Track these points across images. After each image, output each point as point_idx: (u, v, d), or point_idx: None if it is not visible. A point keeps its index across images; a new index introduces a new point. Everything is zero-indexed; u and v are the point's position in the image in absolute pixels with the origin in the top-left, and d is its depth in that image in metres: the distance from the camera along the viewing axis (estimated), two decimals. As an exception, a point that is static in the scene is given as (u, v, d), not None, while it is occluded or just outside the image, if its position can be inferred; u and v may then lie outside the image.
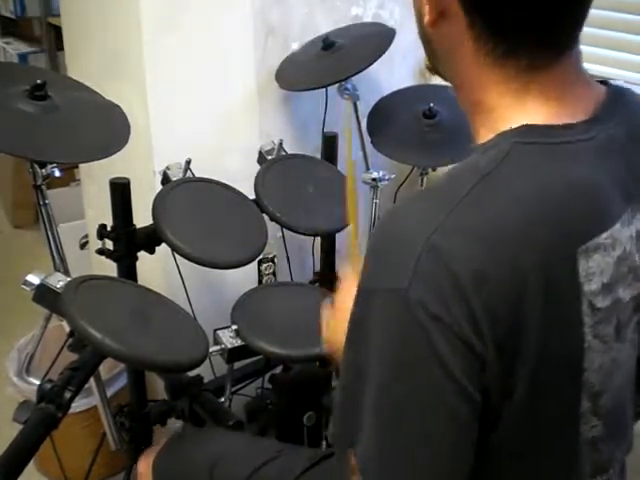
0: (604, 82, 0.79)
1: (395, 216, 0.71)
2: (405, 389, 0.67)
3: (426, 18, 0.74)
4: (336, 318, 0.96)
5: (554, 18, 0.69)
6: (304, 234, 1.58)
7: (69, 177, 2.77)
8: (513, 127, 0.70)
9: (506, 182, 0.68)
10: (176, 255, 1.43)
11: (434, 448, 0.68)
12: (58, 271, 1.35)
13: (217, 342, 1.38)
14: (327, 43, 1.75)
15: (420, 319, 0.64)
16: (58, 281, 1.22)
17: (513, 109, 0.72)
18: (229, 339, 1.37)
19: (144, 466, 1.24)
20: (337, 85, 1.80)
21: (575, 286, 0.69)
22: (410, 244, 0.66)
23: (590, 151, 0.71)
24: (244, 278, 1.64)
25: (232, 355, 1.37)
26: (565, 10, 0.69)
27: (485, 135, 0.74)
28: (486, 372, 0.66)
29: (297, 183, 1.63)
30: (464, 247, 0.65)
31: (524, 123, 0.70)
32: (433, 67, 0.81)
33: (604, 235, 0.71)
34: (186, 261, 1.40)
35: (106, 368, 1.77)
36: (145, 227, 1.45)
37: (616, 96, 0.77)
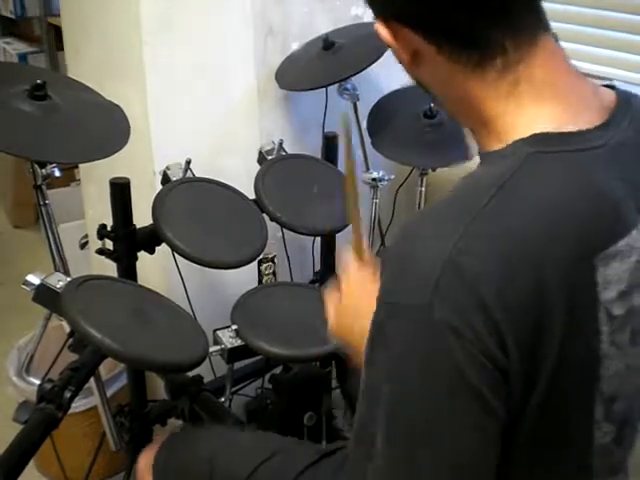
0: (611, 87, 0.79)
1: (411, 231, 0.71)
2: (427, 405, 0.66)
3: (406, 63, 0.76)
4: (343, 303, 0.94)
5: (502, 10, 0.69)
6: (304, 234, 1.58)
7: (69, 177, 2.76)
8: (523, 136, 0.70)
9: (523, 193, 0.68)
10: (176, 255, 1.43)
11: (457, 463, 0.67)
12: (58, 271, 1.35)
13: (217, 342, 1.38)
14: (327, 43, 1.76)
15: (442, 336, 0.64)
16: (58, 281, 1.22)
17: (512, 114, 0.72)
18: (229, 339, 1.37)
19: (144, 462, 1.24)
20: (337, 85, 1.80)
21: (593, 294, 0.69)
22: (429, 260, 0.65)
23: (603, 158, 0.71)
24: (244, 278, 1.64)
25: (232, 355, 1.37)
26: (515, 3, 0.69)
27: (489, 145, 0.74)
28: (508, 385, 0.66)
29: (297, 183, 1.63)
30: (485, 263, 0.64)
31: (535, 132, 0.70)
32: (436, 103, 0.82)
33: (621, 242, 0.71)
34: (186, 261, 1.40)
35: (106, 368, 1.77)
36: (145, 227, 1.45)
37: (625, 100, 0.77)
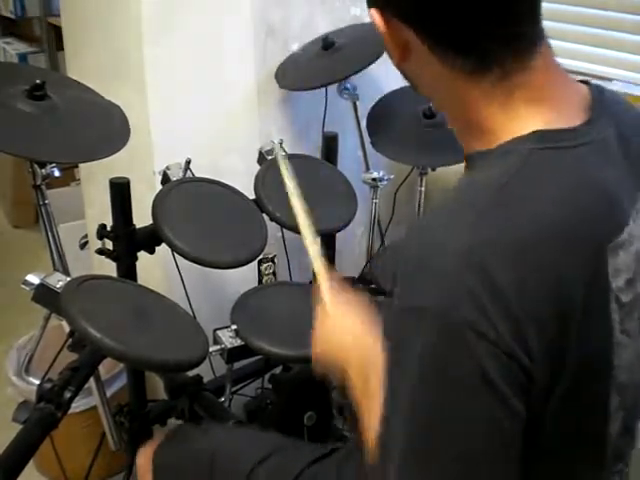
0: (584, 82, 0.80)
1: (424, 232, 0.70)
2: (448, 405, 0.65)
3: (394, 57, 0.76)
4: (324, 325, 0.95)
5: (505, 20, 0.69)
6: (304, 234, 1.58)
7: (69, 177, 2.76)
8: (523, 134, 0.70)
9: (531, 189, 0.68)
10: (176, 255, 1.43)
11: (483, 466, 0.66)
12: (58, 271, 1.35)
13: (217, 342, 1.38)
14: (327, 43, 1.76)
15: (464, 336, 0.63)
16: (57, 281, 1.22)
17: (506, 117, 0.72)
18: (228, 339, 1.37)
19: (143, 459, 1.24)
20: (337, 85, 1.80)
21: (606, 283, 0.70)
22: (447, 261, 0.65)
23: (594, 153, 0.72)
24: (244, 278, 1.64)
25: (231, 355, 1.37)
26: (513, 9, 0.69)
27: (480, 144, 0.74)
28: (531, 384, 0.66)
29: (297, 183, 1.62)
30: (502, 259, 0.64)
31: (534, 129, 0.70)
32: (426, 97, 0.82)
33: (625, 232, 0.72)
34: (186, 261, 1.40)
35: (106, 368, 1.77)
36: (145, 227, 1.45)
37: (599, 96, 0.77)
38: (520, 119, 0.72)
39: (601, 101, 0.77)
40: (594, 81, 0.81)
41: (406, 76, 0.80)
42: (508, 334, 0.63)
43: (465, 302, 0.63)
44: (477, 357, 0.63)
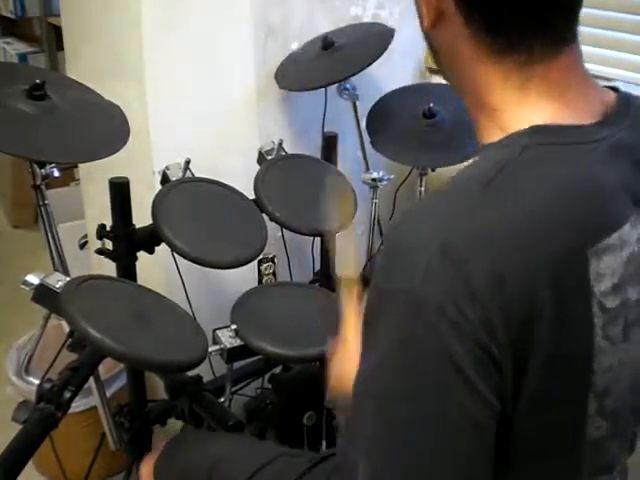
0: (613, 88, 0.80)
1: (408, 217, 0.71)
2: (417, 393, 0.65)
3: (425, 21, 0.75)
4: (342, 363, 0.97)
5: (549, 10, 0.70)
6: (304, 234, 1.58)
7: (69, 177, 2.77)
8: (523, 128, 0.71)
9: (518, 184, 0.68)
10: (175, 255, 1.43)
11: (451, 456, 0.66)
12: (57, 271, 1.35)
13: (216, 342, 1.37)
14: (326, 43, 1.76)
15: (434, 321, 0.63)
16: (57, 281, 1.22)
17: (516, 107, 0.73)
18: (228, 339, 1.37)
19: (146, 471, 1.24)
20: (336, 85, 1.80)
21: (586, 287, 0.69)
22: (422, 245, 0.65)
23: (600, 152, 0.71)
24: (244, 278, 1.64)
25: (231, 355, 1.37)
26: (559, 2, 0.70)
27: (490, 135, 0.74)
28: (500, 375, 0.66)
29: (297, 183, 1.63)
30: (477, 250, 0.64)
31: (534, 124, 0.70)
32: (439, 69, 0.82)
33: (614, 236, 0.71)
34: (185, 261, 1.40)
35: (105, 368, 1.77)
36: (144, 227, 1.45)
37: (625, 102, 0.77)
38: (528, 109, 0.72)
39: (626, 106, 0.76)
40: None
41: (430, 43, 0.80)
42: (477, 321, 0.63)
43: (434, 286, 0.64)
44: (446, 341, 0.63)
